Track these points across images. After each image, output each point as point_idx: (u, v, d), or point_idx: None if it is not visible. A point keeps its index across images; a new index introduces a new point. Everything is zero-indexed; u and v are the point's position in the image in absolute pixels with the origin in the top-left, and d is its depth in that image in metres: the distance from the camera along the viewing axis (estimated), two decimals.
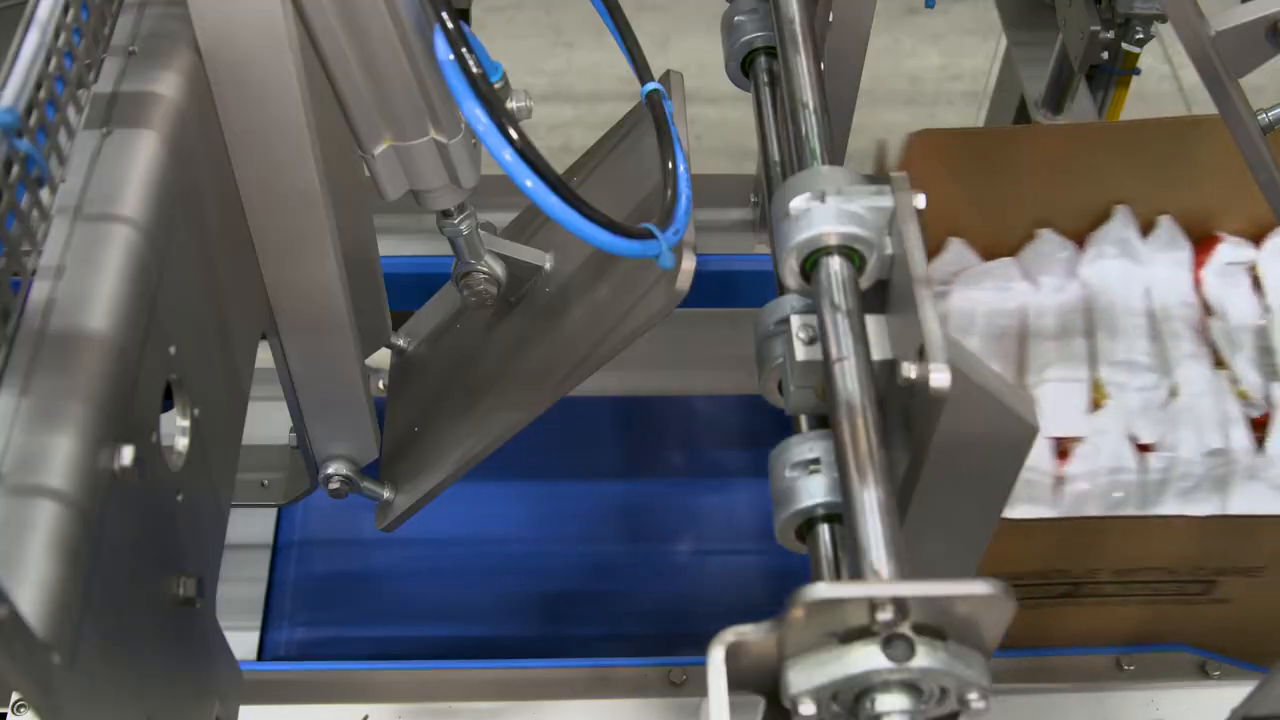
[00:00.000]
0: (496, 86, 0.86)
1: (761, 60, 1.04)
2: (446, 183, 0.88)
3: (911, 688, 0.56)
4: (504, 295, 1.04)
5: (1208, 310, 1.35)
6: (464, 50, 0.72)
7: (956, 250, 1.39)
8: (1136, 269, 1.36)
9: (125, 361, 0.63)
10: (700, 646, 0.57)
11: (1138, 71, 1.52)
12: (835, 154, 0.82)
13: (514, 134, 0.73)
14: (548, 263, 1.04)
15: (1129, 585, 1.12)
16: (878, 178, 0.72)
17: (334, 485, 1.05)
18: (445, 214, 0.96)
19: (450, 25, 0.72)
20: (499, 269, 1.02)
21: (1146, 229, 1.39)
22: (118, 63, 0.74)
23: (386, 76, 0.81)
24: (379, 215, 1.03)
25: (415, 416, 1.11)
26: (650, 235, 0.79)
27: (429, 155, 0.86)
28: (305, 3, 0.77)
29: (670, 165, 0.85)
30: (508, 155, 0.73)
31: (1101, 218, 1.38)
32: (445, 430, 1.07)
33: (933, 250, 1.38)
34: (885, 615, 0.55)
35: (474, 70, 0.72)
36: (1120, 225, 1.38)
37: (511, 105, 0.89)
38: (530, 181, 0.73)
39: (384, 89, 0.82)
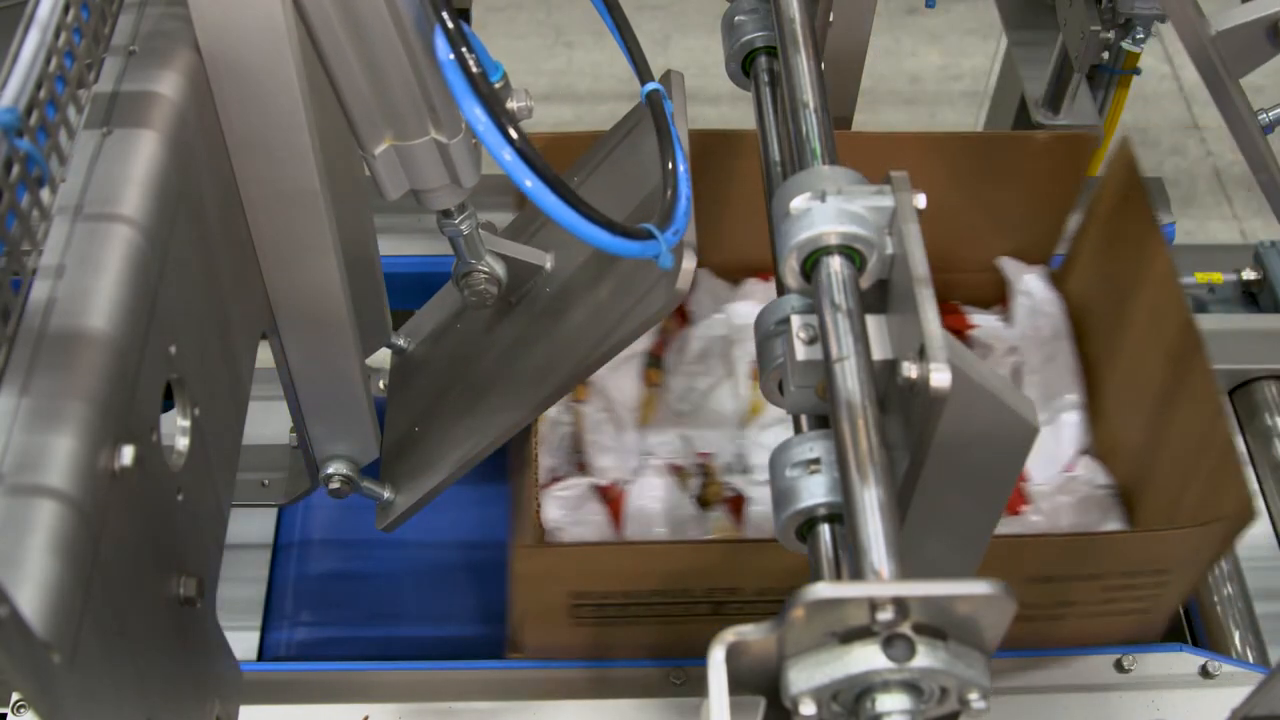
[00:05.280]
0: (497, 86, 0.86)
1: (762, 60, 1.04)
2: (447, 182, 0.88)
3: (912, 688, 0.56)
4: (504, 295, 1.03)
5: None
6: (464, 50, 0.72)
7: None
8: None
9: (125, 361, 0.63)
10: (700, 647, 0.57)
11: (1138, 71, 1.52)
12: (835, 154, 0.82)
13: (514, 134, 0.72)
14: (548, 263, 1.04)
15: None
16: None
17: (334, 485, 1.05)
18: (445, 214, 0.95)
19: (450, 25, 0.72)
20: (499, 269, 1.01)
21: None
22: (118, 62, 0.74)
23: (387, 76, 0.81)
24: (379, 215, 1.03)
25: (415, 416, 1.11)
26: (650, 235, 0.79)
27: (429, 155, 0.86)
28: (305, 1, 0.77)
29: (670, 165, 0.85)
30: (507, 155, 0.73)
31: None
32: (446, 430, 1.07)
33: None
34: (886, 615, 0.54)
35: (474, 70, 0.72)
36: None
37: (512, 105, 0.89)
38: (530, 181, 0.73)
39: (384, 88, 0.82)
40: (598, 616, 1.08)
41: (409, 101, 0.82)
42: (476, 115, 0.72)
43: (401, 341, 1.15)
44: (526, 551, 1.03)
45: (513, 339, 1.06)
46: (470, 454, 1.02)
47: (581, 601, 1.06)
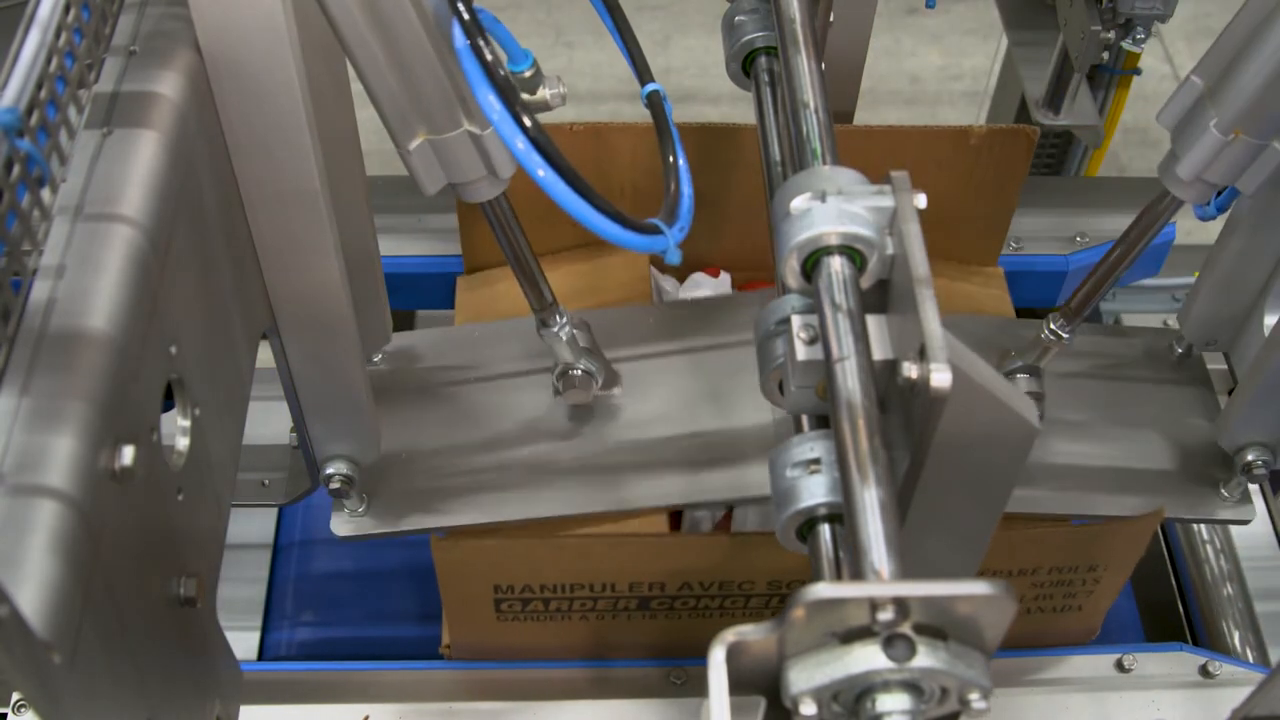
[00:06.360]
0: (527, 74, 0.86)
1: (762, 60, 1.04)
2: (484, 174, 0.88)
3: (912, 688, 0.56)
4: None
5: None
6: (478, 38, 0.72)
7: None
8: None
9: (125, 361, 0.63)
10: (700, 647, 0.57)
11: (1138, 71, 1.52)
12: (836, 154, 0.82)
13: (527, 122, 0.72)
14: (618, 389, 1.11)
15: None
16: None
17: (334, 485, 1.05)
18: (543, 323, 1.01)
19: (465, 14, 0.72)
20: (597, 370, 1.07)
21: None
22: (118, 63, 0.74)
23: (415, 70, 0.81)
24: (379, 215, 1.03)
25: (408, 442, 1.11)
26: (657, 230, 0.79)
27: (464, 147, 0.86)
28: (330, 1, 0.77)
29: (671, 160, 0.85)
30: (520, 144, 0.73)
31: None
32: (466, 486, 1.08)
33: None
34: (886, 615, 0.54)
35: (487, 57, 0.72)
36: None
37: (544, 93, 0.89)
38: (542, 171, 0.73)
39: (413, 83, 0.81)
40: (522, 612, 1.07)
41: (438, 94, 0.82)
42: (490, 103, 0.72)
43: (378, 359, 1.15)
44: (443, 543, 1.01)
45: (594, 444, 1.10)
46: (500, 517, 1.06)
47: (504, 596, 1.05)
